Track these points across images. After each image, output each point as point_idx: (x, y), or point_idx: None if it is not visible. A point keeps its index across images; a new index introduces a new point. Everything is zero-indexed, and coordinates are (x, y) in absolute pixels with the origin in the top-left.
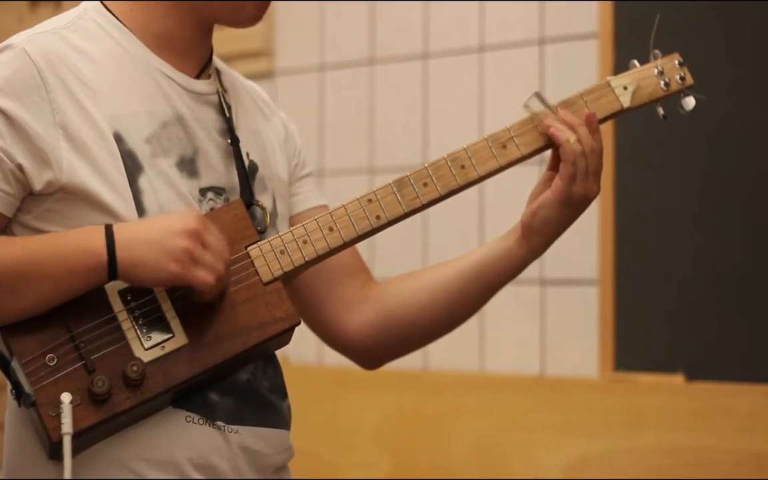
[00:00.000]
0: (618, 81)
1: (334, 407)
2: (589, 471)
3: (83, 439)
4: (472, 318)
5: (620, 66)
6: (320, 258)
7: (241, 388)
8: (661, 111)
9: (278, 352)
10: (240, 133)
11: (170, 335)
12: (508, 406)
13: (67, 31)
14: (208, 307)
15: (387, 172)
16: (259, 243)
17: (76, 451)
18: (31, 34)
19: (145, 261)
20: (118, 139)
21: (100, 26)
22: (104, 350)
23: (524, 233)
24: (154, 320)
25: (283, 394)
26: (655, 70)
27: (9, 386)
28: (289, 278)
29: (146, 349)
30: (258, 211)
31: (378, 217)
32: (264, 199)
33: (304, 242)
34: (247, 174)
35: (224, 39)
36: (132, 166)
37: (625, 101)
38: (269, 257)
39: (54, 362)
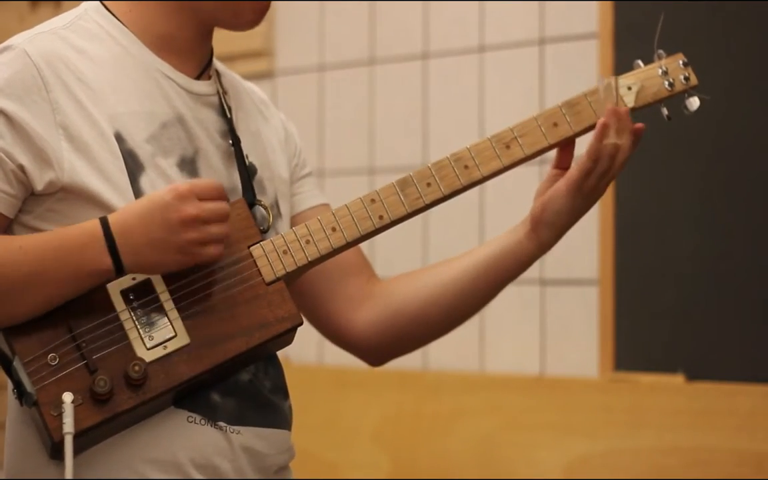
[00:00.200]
0: (622, 81)
1: (335, 407)
2: (589, 471)
3: (85, 439)
4: (472, 318)
5: (620, 66)
6: (323, 258)
7: (243, 388)
8: (665, 111)
9: (279, 352)
10: (240, 135)
11: (172, 335)
12: (508, 406)
13: (67, 31)
14: (210, 307)
15: (387, 172)
16: (261, 243)
17: (77, 451)
18: (31, 34)
19: (151, 261)
20: (119, 138)
21: (101, 26)
22: (106, 350)
23: (534, 226)
24: (156, 320)
25: (285, 394)
26: (659, 71)
27: (10, 386)
28: (292, 278)
29: (148, 349)
30: (260, 211)
31: (381, 217)
32: (264, 200)
33: (307, 242)
34: (248, 175)
35: (224, 39)
36: (133, 166)
37: (629, 101)
38: (272, 257)
39: (56, 362)
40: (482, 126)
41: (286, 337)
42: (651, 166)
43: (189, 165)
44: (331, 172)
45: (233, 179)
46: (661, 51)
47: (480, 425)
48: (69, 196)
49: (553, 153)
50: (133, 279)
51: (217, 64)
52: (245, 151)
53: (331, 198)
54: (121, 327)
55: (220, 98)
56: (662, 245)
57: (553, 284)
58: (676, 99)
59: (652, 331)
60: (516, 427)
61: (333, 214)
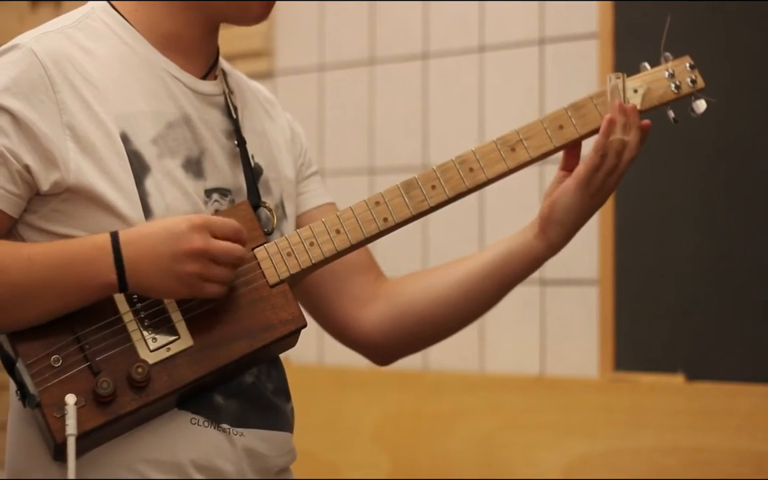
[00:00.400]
0: (628, 83)
1: (335, 407)
2: (589, 471)
3: (88, 441)
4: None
5: (620, 66)
6: (327, 260)
7: (246, 390)
8: (671, 114)
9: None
10: (246, 135)
11: (176, 337)
12: (508, 406)
13: (73, 30)
14: (214, 309)
15: (387, 172)
16: (265, 245)
17: (80, 453)
18: (37, 33)
19: (154, 285)
20: (125, 139)
21: (107, 25)
22: (109, 352)
23: (543, 226)
24: (159, 322)
25: (287, 396)
26: (666, 73)
27: (14, 387)
28: (296, 280)
29: (151, 351)
30: (264, 213)
31: (385, 220)
32: (269, 201)
33: (311, 244)
34: (252, 176)
35: (224, 39)
36: (138, 167)
37: (636, 104)
38: (276, 259)
39: (59, 363)
40: (482, 126)
41: (290, 339)
42: (651, 166)
43: (194, 165)
44: (331, 172)
45: (238, 180)
46: (667, 53)
47: (480, 425)
48: (74, 196)
49: (558, 154)
50: None
51: (224, 63)
52: (251, 152)
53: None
54: (124, 329)
55: (226, 98)
56: (662, 245)
57: (553, 284)
58: (682, 102)
59: (652, 331)
60: (516, 427)
61: (337, 216)
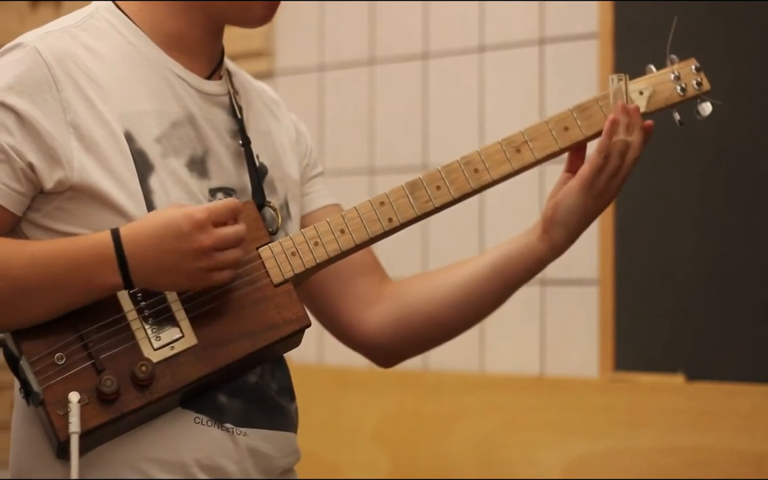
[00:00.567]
0: (634, 85)
1: (335, 407)
2: (590, 471)
3: (91, 439)
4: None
5: (620, 66)
6: (331, 260)
7: (250, 390)
8: (677, 116)
9: None
10: (250, 135)
11: (180, 336)
12: (508, 406)
13: (77, 30)
14: (218, 308)
15: (387, 172)
16: (270, 244)
17: (83, 451)
18: (42, 32)
19: (162, 283)
20: (129, 138)
21: (111, 25)
22: (113, 350)
23: (546, 227)
24: (163, 320)
25: (291, 396)
26: (672, 76)
27: (17, 385)
28: (300, 280)
29: (155, 350)
30: (269, 213)
31: (390, 220)
32: (274, 201)
33: (315, 244)
34: (257, 176)
35: (224, 39)
36: (142, 166)
37: (641, 106)
38: (280, 259)
39: (63, 361)
40: (482, 126)
41: (294, 339)
42: (651, 166)
43: (199, 165)
44: (331, 172)
45: (243, 179)
46: (673, 56)
47: (480, 425)
48: (78, 194)
49: (562, 157)
50: None
51: (229, 63)
52: (256, 151)
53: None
54: (128, 327)
55: (230, 98)
56: (662, 245)
57: (553, 284)
58: (687, 104)
59: (652, 331)
60: (516, 427)
61: (342, 216)
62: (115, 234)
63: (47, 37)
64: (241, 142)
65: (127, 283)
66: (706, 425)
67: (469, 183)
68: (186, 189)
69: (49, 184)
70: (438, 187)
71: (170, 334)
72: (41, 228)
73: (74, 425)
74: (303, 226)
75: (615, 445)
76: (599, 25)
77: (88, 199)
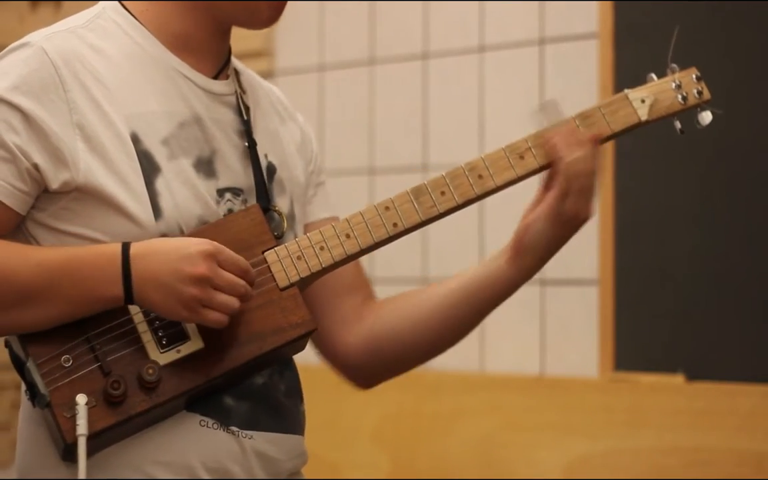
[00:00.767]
0: (636, 94)
1: (335, 407)
2: (589, 471)
3: (97, 441)
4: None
5: (620, 66)
6: (337, 265)
7: (257, 392)
8: (678, 125)
9: None
10: (258, 134)
11: (186, 339)
12: (508, 406)
13: (84, 30)
14: None
15: (387, 172)
16: (275, 248)
17: (89, 453)
18: (48, 32)
19: (157, 303)
20: (135, 139)
21: (118, 25)
22: (120, 352)
23: (515, 251)
24: (170, 324)
25: (299, 398)
26: (673, 84)
27: (23, 386)
28: (306, 284)
29: (162, 353)
30: (275, 216)
31: (395, 225)
32: (281, 202)
33: (321, 248)
34: (265, 177)
35: None
36: (148, 167)
37: (643, 114)
38: (286, 263)
39: (69, 363)
40: (482, 126)
41: (300, 342)
42: (651, 166)
43: (206, 165)
44: (331, 172)
45: (251, 180)
46: (674, 65)
47: (480, 425)
48: (84, 195)
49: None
50: None
51: (236, 63)
52: (264, 150)
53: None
54: (134, 330)
55: (237, 98)
56: (662, 245)
57: (553, 284)
58: (688, 113)
59: (652, 331)
60: (516, 427)
61: (347, 220)
62: (125, 246)
63: (54, 37)
64: (247, 143)
65: (128, 297)
66: (706, 425)
67: (473, 189)
68: (193, 190)
69: (54, 184)
70: (443, 193)
71: (176, 337)
72: (46, 227)
73: (81, 427)
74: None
75: (615, 445)
76: (599, 25)
77: (94, 201)
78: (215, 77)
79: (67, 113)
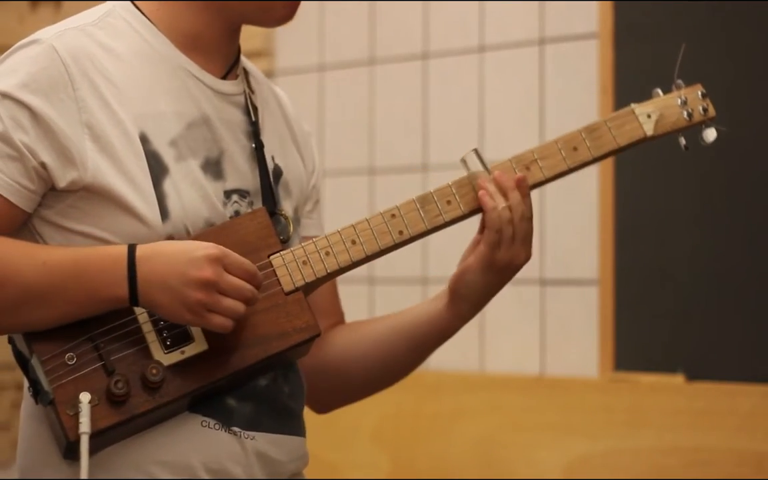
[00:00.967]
0: (642, 109)
1: None
2: (590, 471)
3: (99, 440)
4: (472, 319)
5: (620, 66)
6: (342, 270)
7: (260, 393)
8: (683, 141)
9: None
10: (266, 136)
11: (191, 340)
12: (508, 406)
13: (94, 28)
14: None
15: (387, 172)
16: (281, 252)
17: (91, 452)
18: (58, 30)
19: (162, 305)
20: (144, 139)
21: (128, 24)
22: (124, 352)
23: (451, 298)
24: (174, 325)
25: (304, 400)
26: (679, 100)
27: (25, 384)
28: (310, 289)
29: (166, 353)
30: (281, 220)
31: (401, 233)
32: (287, 205)
33: (327, 254)
34: (271, 180)
35: None
36: (156, 168)
37: (649, 129)
38: (291, 267)
39: (73, 361)
40: (482, 126)
41: (304, 347)
42: (651, 166)
43: (213, 166)
44: (331, 172)
45: (257, 182)
46: (679, 81)
47: (480, 425)
48: (91, 195)
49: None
50: None
51: (246, 62)
52: (271, 152)
53: (331, 198)
54: (139, 330)
55: (246, 98)
56: (662, 245)
57: (553, 284)
58: (692, 129)
59: (652, 331)
60: (516, 427)
61: (353, 227)
62: (131, 248)
63: (64, 34)
64: (254, 145)
65: (133, 298)
66: (706, 425)
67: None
68: (200, 191)
69: (61, 183)
70: (448, 202)
71: (181, 338)
72: (53, 225)
73: (84, 425)
74: None
75: (615, 445)
76: (599, 25)
77: (101, 200)
78: (224, 77)
79: (76, 112)
